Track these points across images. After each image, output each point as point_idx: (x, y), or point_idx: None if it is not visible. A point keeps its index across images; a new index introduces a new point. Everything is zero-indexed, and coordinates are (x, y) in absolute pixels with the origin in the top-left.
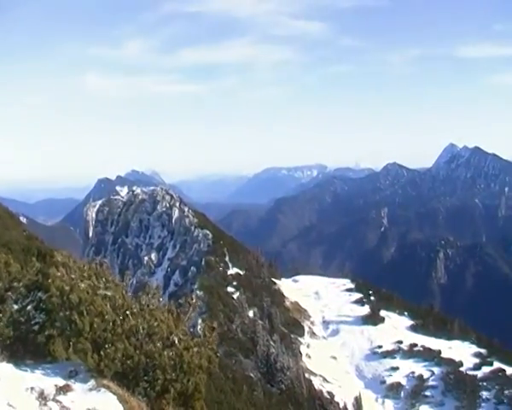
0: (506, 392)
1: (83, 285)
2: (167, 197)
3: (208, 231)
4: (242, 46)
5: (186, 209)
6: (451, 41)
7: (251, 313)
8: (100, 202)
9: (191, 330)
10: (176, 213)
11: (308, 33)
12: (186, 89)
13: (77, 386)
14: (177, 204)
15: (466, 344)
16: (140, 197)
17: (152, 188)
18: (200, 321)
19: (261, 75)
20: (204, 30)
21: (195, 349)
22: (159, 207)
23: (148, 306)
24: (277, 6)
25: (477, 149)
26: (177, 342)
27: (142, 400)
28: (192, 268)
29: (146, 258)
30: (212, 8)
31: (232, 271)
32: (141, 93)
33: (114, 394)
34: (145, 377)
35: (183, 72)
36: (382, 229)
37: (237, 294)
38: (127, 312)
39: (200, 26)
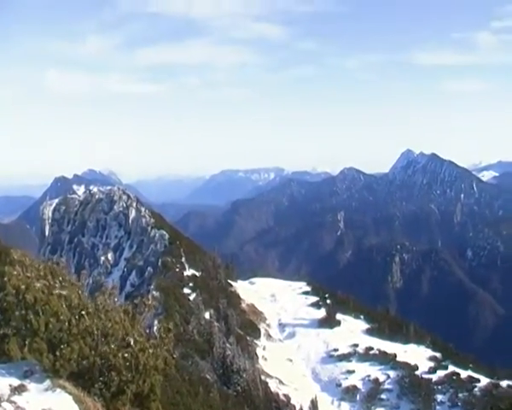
0: (460, 395)
1: (38, 285)
2: (124, 197)
3: (165, 232)
4: (202, 47)
5: (143, 209)
6: (410, 48)
7: (207, 315)
8: (56, 200)
9: (147, 331)
10: (133, 214)
11: (268, 36)
12: (145, 88)
13: (32, 386)
14: (134, 204)
15: (421, 348)
16: (97, 197)
17: (109, 187)
18: (156, 322)
19: (220, 77)
20: (164, 30)
21: (151, 350)
22: (116, 206)
23: (103, 306)
24: (238, 8)
25: (434, 155)
26: (132, 343)
27: (98, 400)
28: (148, 269)
29: (102, 258)
30: (173, 9)
31: (188, 272)
32: (100, 91)
33: (70, 394)
34: (100, 378)
35: (143, 71)
36: (339, 233)
37: (194, 295)
38: (83, 312)
39: (161, 25)
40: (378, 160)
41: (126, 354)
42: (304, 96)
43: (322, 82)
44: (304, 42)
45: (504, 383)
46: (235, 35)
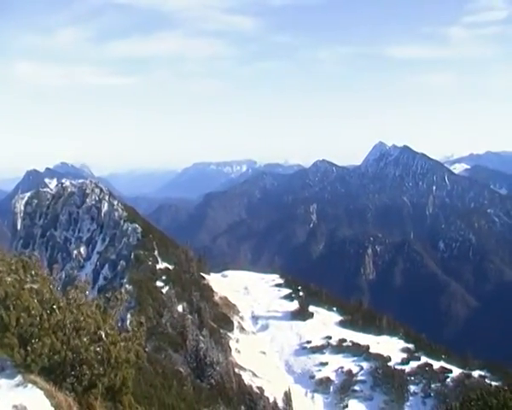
0: (433, 386)
1: (9, 279)
2: (97, 190)
3: (137, 225)
4: (174, 39)
5: (115, 203)
6: (382, 41)
7: (180, 308)
8: (28, 194)
9: (120, 324)
10: (105, 207)
11: (240, 28)
12: (117, 81)
13: (3, 382)
14: (107, 197)
15: (394, 339)
16: (69, 190)
17: (81, 181)
18: (129, 316)
19: (193, 69)
20: (136, 22)
21: (123, 344)
22: (88, 200)
23: (75, 300)
24: (210, 1)
25: (406, 148)
26: (104, 336)
27: (70, 395)
28: (121, 262)
29: (75, 251)
30: (145, 1)
31: (161, 265)
32: (72, 84)
33: (41, 389)
34: (72, 373)
35: (115, 63)
36: (311, 225)
37: (166, 288)
38: (54, 306)
39: (132, 18)
40: (351, 152)
41: (98, 348)
42: (276, 89)
43: (295, 74)
44: (277, 34)
45: (476, 374)
46: (208, 27)
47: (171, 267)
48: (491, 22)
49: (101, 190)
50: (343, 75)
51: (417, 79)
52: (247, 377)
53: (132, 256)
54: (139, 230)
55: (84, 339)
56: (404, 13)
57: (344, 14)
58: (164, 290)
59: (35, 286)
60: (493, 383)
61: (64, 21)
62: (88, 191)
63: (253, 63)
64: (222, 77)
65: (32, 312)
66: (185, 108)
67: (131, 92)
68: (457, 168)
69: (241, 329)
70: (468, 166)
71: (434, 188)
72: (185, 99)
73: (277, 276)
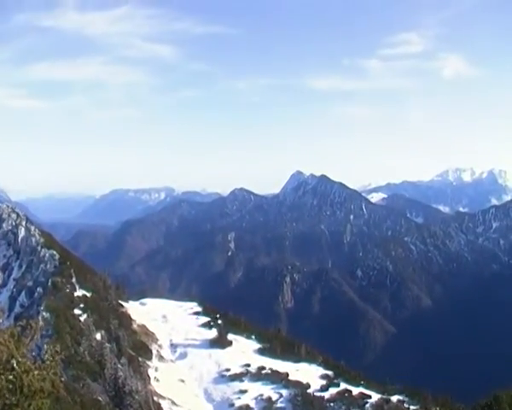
0: None
1: None
2: (13, 215)
3: (55, 252)
4: (95, 65)
5: (32, 228)
6: (301, 72)
7: (98, 336)
8: None
9: (35, 353)
10: (22, 232)
11: (159, 56)
12: (36, 104)
13: None
14: (24, 223)
15: (313, 367)
16: None
17: None
18: (45, 344)
19: (112, 96)
20: (56, 46)
21: (36, 372)
22: (4, 225)
23: None
24: (131, 28)
25: (324, 177)
26: (15, 365)
27: None
28: (38, 289)
29: None
30: (66, 25)
31: (79, 292)
32: None
33: None
34: None
35: (33, 87)
36: (229, 253)
37: (84, 316)
38: None
39: (53, 41)
40: (269, 181)
41: (11, 377)
42: (195, 118)
43: (214, 104)
44: (195, 63)
45: (395, 399)
46: (128, 54)
47: (88, 295)
48: (408, 55)
49: (18, 215)
50: (262, 105)
51: (336, 110)
52: (166, 406)
53: (49, 283)
54: (57, 256)
55: None
56: (324, 45)
57: (263, 46)
58: (82, 318)
59: None
60: (411, 408)
61: None
62: (4, 216)
63: (173, 92)
64: (141, 104)
65: None
66: (104, 134)
67: (51, 116)
68: (375, 197)
69: (160, 357)
70: (385, 196)
71: (352, 216)
72: (104, 125)
73: (195, 304)
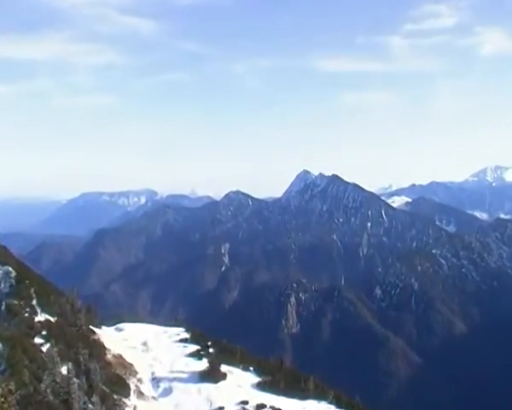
0: None
1: None
2: None
3: (11, 268)
4: (61, 42)
5: None
6: (308, 52)
7: (64, 370)
8: None
9: None
10: None
11: (139, 33)
12: None
13: None
14: None
15: (323, 404)
16: None
17: None
18: None
19: (82, 79)
20: (14, 18)
21: None
22: None
23: None
24: None
25: (335, 177)
26: None
27: None
28: None
29: None
30: None
31: (41, 317)
32: None
33: None
34: None
35: None
36: (223, 268)
37: (47, 346)
38: None
39: (10, 13)
40: (270, 182)
41: None
42: (181, 107)
43: (205, 91)
44: (182, 41)
45: None
46: (101, 30)
47: (53, 320)
48: (436, 31)
49: None
50: (263, 92)
51: (349, 97)
52: None
53: (3, 307)
54: (13, 274)
55: None
56: (334, 19)
57: (265, 20)
58: (44, 349)
59: None
60: None
61: None
62: None
63: (153, 75)
64: (116, 90)
65: None
66: (72, 125)
67: (7, 102)
68: (397, 201)
69: (140, 394)
70: (410, 199)
71: (369, 225)
72: (72, 114)
73: (182, 330)
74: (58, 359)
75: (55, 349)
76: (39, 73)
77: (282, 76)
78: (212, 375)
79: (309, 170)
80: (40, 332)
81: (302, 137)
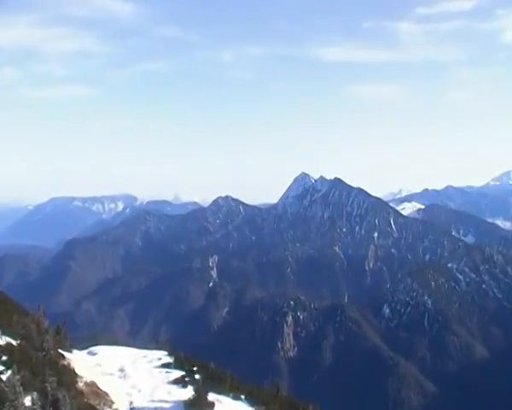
0: None
1: None
2: None
3: None
4: (26, 27)
5: None
6: (307, 40)
7: (28, 401)
8: None
9: None
10: None
11: (117, 17)
12: None
13: None
14: None
15: None
16: None
17: None
18: None
19: (50, 69)
20: None
21: None
22: None
23: None
24: None
25: (338, 180)
26: None
27: None
28: None
29: None
30: None
31: (1, 340)
32: None
33: None
34: None
35: None
36: (211, 284)
37: (8, 373)
38: None
39: None
40: (263, 186)
41: None
42: (163, 100)
43: (189, 82)
44: (164, 27)
45: None
46: (73, 13)
47: (15, 343)
48: (453, 15)
49: None
50: (254, 84)
51: (353, 90)
52: None
53: None
54: None
55: None
56: (337, 1)
57: (256, 2)
58: (4, 377)
59: None
60: None
61: None
62: None
63: (134, 65)
64: (91, 81)
65: None
66: (40, 121)
67: None
68: (407, 208)
69: None
70: (422, 206)
71: (376, 235)
72: (39, 109)
73: (165, 353)
74: (21, 388)
75: (18, 377)
76: (3, 62)
77: (276, 66)
78: (198, 404)
79: (308, 173)
80: (0, 358)
81: (300, 136)
